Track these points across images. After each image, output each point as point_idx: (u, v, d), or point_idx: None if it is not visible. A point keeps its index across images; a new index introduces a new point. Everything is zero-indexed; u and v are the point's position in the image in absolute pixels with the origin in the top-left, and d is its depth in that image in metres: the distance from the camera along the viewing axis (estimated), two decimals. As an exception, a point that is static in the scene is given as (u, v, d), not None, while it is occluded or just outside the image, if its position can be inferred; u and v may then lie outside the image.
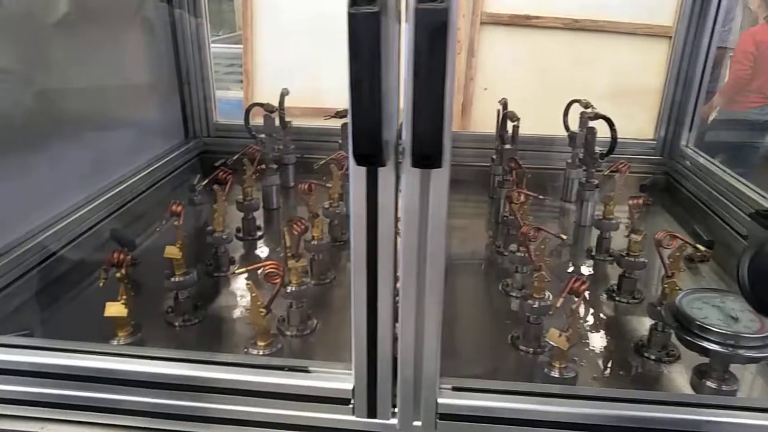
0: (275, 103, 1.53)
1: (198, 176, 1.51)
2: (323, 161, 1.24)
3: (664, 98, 1.61)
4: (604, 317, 1.07)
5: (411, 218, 0.57)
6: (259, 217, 1.37)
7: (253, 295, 0.78)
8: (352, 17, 0.46)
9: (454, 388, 0.67)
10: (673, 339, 0.94)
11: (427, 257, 0.58)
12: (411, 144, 0.50)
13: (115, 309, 0.82)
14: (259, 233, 1.35)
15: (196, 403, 0.72)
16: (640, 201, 1.04)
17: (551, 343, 0.79)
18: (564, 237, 1.14)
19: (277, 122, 1.53)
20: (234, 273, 0.80)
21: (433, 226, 0.57)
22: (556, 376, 0.81)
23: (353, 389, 0.67)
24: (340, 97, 1.58)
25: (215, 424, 0.72)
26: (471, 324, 1.04)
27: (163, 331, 0.99)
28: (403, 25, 0.50)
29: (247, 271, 0.80)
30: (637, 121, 1.96)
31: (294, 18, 2.73)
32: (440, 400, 0.66)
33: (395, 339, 0.64)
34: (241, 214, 1.32)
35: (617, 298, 1.11)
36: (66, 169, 1.21)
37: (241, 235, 1.32)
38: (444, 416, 0.66)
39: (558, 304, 0.79)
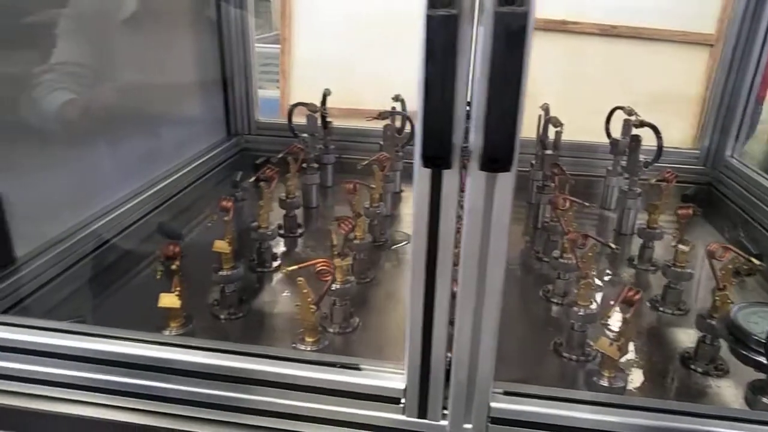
0: (312, 102, 1.54)
1: (240, 173, 1.53)
2: (366, 161, 1.25)
3: (709, 106, 1.59)
4: (648, 327, 1.05)
5: (474, 221, 0.57)
6: (299, 215, 1.39)
7: (305, 291, 0.79)
8: (429, 20, 0.47)
9: (506, 393, 0.67)
10: (722, 352, 0.93)
11: (488, 260, 0.58)
12: (482, 147, 0.50)
13: (169, 300, 0.84)
14: (300, 231, 1.37)
15: (246, 395, 0.73)
16: (690, 211, 1.02)
17: (601, 351, 0.78)
18: (613, 246, 1.12)
19: (318, 122, 1.55)
20: (286, 271, 0.81)
21: (496, 229, 0.57)
22: (605, 385, 0.80)
23: (405, 389, 0.68)
24: (377, 99, 1.59)
25: (264, 417, 0.73)
26: (512, 329, 1.03)
27: (209, 324, 1.01)
28: (476, 27, 0.51)
29: (299, 269, 0.81)
30: (674, 130, 1.93)
31: (332, 19, 2.75)
32: (493, 404, 0.66)
33: (450, 340, 0.64)
34: (283, 212, 1.34)
35: (661, 309, 1.10)
36: (118, 163, 1.24)
37: (282, 232, 1.34)
38: (495, 420, 0.66)
39: (609, 314, 0.78)
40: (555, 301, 1.11)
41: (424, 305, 0.63)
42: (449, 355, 0.65)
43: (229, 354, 0.73)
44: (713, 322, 0.91)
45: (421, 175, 0.56)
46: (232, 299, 1.03)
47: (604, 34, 2.62)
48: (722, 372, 0.93)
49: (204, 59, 1.65)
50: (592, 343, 0.90)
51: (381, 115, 1.42)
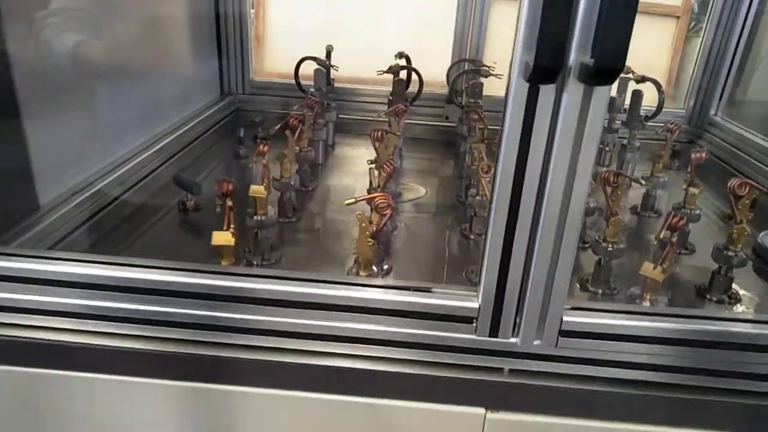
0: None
1: (242, 129, 1.51)
2: (388, 111, 1.26)
3: (696, 67, 1.67)
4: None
5: (567, 136, 0.60)
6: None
7: (363, 225, 0.80)
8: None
9: (573, 308, 0.71)
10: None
11: (576, 178, 0.61)
12: (597, 57, 0.52)
13: (222, 238, 0.83)
14: (314, 185, 1.37)
15: (318, 322, 0.74)
16: (703, 154, 1.09)
17: (645, 275, 0.83)
18: (643, 182, 1.18)
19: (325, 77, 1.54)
20: (346, 203, 0.82)
21: (587, 143, 0.60)
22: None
23: (479, 308, 0.70)
24: (355, 65, 1.59)
25: (334, 342, 0.75)
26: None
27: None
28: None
29: (357, 201, 0.82)
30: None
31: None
32: (565, 318, 0.69)
33: (528, 258, 0.67)
34: (296, 166, 1.33)
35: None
36: (123, 117, 1.20)
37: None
38: (565, 333, 0.70)
39: (661, 235, 0.83)
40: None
41: (506, 224, 0.65)
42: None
43: (298, 281, 0.74)
44: (730, 254, 0.98)
45: (517, 90, 0.58)
46: (265, 245, 1.03)
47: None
48: (736, 301, 1.00)
49: (198, 14, 1.60)
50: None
51: (391, 69, 1.43)
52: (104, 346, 0.76)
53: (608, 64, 0.52)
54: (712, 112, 1.65)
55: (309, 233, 1.17)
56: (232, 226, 0.84)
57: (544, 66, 0.53)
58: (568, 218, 0.64)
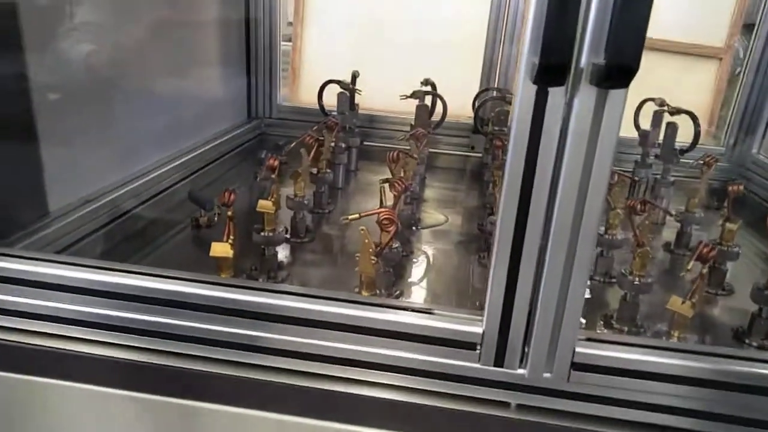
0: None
1: (264, 151, 1.51)
2: (407, 134, 1.23)
3: (737, 105, 1.60)
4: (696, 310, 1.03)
5: (579, 144, 0.55)
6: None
7: (366, 241, 0.76)
8: None
9: (588, 339, 0.64)
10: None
11: (589, 189, 0.56)
12: (610, 56, 0.48)
13: (222, 248, 0.80)
14: (331, 207, 1.34)
15: (306, 339, 0.69)
16: (740, 187, 1.01)
17: (673, 310, 0.76)
18: (673, 213, 1.11)
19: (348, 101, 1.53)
20: (346, 220, 0.78)
21: (601, 153, 0.55)
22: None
23: (483, 333, 0.65)
24: (383, 99, 1.58)
25: (323, 363, 0.70)
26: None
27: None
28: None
29: (360, 217, 0.78)
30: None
31: (342, 19, 2.76)
32: (578, 349, 0.63)
33: (537, 280, 0.61)
34: (314, 187, 1.31)
35: (706, 290, 1.08)
36: (145, 132, 1.21)
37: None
38: (578, 366, 0.64)
39: (689, 267, 0.76)
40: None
41: (513, 242, 0.60)
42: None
43: (286, 294, 0.70)
44: (773, 294, 0.89)
45: (525, 92, 0.54)
46: (272, 263, 0.99)
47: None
48: (781, 346, 0.91)
49: (228, 37, 1.63)
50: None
51: (414, 95, 1.41)
52: (86, 353, 0.73)
53: (622, 63, 0.47)
54: (754, 150, 1.56)
55: (320, 254, 1.14)
56: (231, 237, 0.81)
57: (551, 64, 0.49)
58: (581, 234, 0.58)
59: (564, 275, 0.60)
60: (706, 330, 0.97)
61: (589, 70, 0.52)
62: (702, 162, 1.19)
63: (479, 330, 0.65)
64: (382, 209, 0.76)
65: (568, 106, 0.54)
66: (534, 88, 0.54)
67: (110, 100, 1.11)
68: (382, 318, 0.66)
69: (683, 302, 0.75)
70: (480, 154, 1.62)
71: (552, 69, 0.49)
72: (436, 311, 0.67)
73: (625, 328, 0.91)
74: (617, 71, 0.48)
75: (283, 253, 1.08)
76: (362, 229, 0.76)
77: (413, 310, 0.67)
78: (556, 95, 0.54)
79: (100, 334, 0.74)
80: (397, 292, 0.93)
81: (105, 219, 1.04)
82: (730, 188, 1.04)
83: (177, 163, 1.30)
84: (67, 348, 0.74)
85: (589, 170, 0.56)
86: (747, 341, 0.92)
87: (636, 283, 0.90)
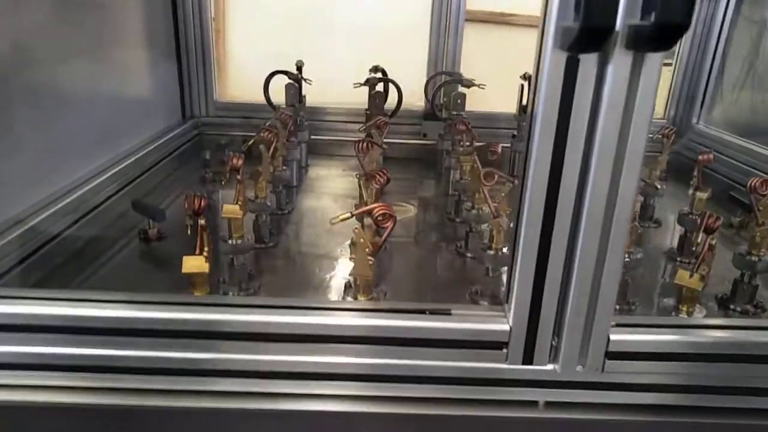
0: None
1: (207, 152, 1.38)
2: (368, 124, 1.16)
3: (674, 78, 1.65)
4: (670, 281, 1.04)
5: (613, 117, 0.50)
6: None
7: (362, 241, 0.68)
8: None
9: (618, 325, 0.61)
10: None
11: (624, 163, 0.52)
12: (659, 14, 0.43)
13: (195, 264, 0.70)
14: (290, 207, 1.24)
15: (312, 358, 0.61)
16: (710, 156, 1.02)
17: (681, 284, 0.74)
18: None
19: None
20: (336, 220, 0.70)
21: (636, 125, 0.50)
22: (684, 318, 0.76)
23: (510, 331, 0.59)
24: (320, 89, 1.49)
25: (333, 381, 0.62)
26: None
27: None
28: None
29: (353, 216, 0.70)
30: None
31: (267, 12, 2.63)
32: (612, 337, 0.59)
33: (568, 265, 0.56)
34: (270, 187, 1.21)
35: (679, 260, 1.09)
36: (68, 143, 1.05)
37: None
38: (612, 355, 0.60)
39: (698, 239, 0.74)
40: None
41: (541, 230, 0.55)
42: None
43: (285, 309, 0.61)
44: (754, 259, 0.90)
45: (553, 63, 0.49)
46: (242, 273, 0.89)
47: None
48: (761, 310, 0.92)
49: (155, 34, 1.48)
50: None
51: (368, 82, 1.34)
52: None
53: (673, 20, 0.43)
54: (694, 120, 1.61)
55: (288, 259, 1.05)
56: (205, 249, 0.70)
57: (595, 27, 0.44)
58: (615, 216, 0.54)
59: (598, 259, 0.55)
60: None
61: (625, 34, 0.47)
62: (661, 135, 1.20)
63: (506, 327, 0.59)
64: (377, 205, 0.69)
65: (600, 75, 0.49)
66: (563, 57, 0.49)
67: (9, 102, 0.94)
68: (401, 325, 0.59)
69: (691, 276, 0.73)
70: (433, 142, 1.57)
71: (594, 32, 0.44)
72: (454, 311, 0.61)
73: (617, 307, 0.90)
74: (668, 30, 0.44)
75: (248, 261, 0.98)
76: (356, 229, 0.69)
77: (431, 311, 0.61)
78: (587, 64, 0.49)
79: (34, 376, 0.62)
80: (384, 290, 0.86)
81: (35, 244, 0.89)
82: (700, 157, 1.04)
83: (110, 173, 1.15)
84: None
85: (625, 144, 0.51)
86: (732, 307, 0.93)
87: (626, 259, 0.88)
